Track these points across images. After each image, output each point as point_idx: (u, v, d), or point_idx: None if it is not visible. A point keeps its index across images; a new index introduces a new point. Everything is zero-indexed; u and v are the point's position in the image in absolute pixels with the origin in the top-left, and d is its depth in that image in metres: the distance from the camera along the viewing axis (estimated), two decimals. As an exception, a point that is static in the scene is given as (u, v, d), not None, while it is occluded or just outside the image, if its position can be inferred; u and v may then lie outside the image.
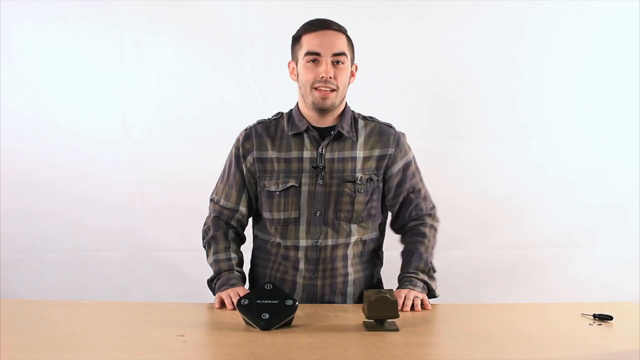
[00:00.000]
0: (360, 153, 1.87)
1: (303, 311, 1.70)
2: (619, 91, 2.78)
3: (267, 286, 1.64)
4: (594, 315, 1.70)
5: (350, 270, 1.90)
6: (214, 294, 1.86)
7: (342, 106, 1.88)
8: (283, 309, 1.58)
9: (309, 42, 1.81)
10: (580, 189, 2.82)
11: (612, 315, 1.68)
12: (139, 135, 2.77)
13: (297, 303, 1.60)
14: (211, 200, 1.98)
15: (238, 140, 1.92)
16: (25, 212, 2.79)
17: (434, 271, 1.91)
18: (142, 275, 2.82)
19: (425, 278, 1.87)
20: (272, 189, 1.86)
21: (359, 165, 1.86)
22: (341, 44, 1.81)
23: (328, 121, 1.87)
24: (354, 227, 1.88)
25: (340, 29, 1.83)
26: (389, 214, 2.00)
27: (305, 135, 1.86)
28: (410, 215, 1.94)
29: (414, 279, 1.85)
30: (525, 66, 2.78)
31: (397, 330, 1.57)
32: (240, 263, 1.92)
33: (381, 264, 2.01)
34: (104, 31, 2.72)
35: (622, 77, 2.77)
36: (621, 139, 2.80)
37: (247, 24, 2.73)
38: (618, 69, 2.77)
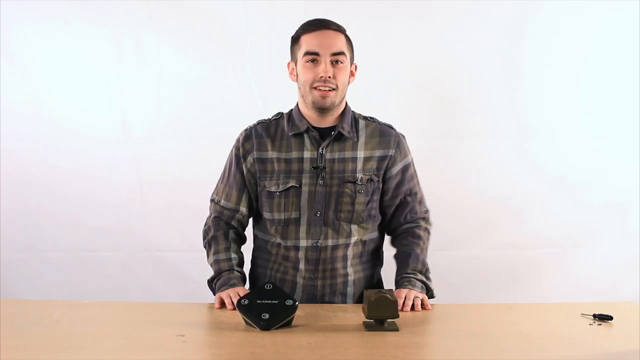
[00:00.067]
0: (361, 153, 1.87)
1: (303, 311, 1.70)
2: (619, 91, 2.78)
3: (267, 286, 1.64)
4: (594, 315, 1.70)
5: (350, 270, 1.91)
6: (214, 294, 1.86)
7: (342, 106, 1.88)
8: (283, 309, 1.58)
9: (307, 42, 1.81)
10: (580, 189, 2.82)
11: (612, 315, 1.68)
12: (139, 135, 2.78)
13: (297, 303, 1.60)
14: (211, 200, 1.98)
15: (238, 140, 1.92)
16: (25, 212, 2.79)
17: (429, 273, 1.91)
18: (142, 275, 2.82)
19: (424, 279, 1.87)
20: (273, 189, 1.86)
21: (359, 165, 1.86)
22: (340, 44, 1.81)
23: (328, 121, 1.87)
24: (354, 227, 1.88)
25: (339, 29, 1.83)
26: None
27: (305, 136, 1.86)
28: (406, 217, 1.95)
29: (412, 279, 1.85)
30: (525, 66, 2.78)
31: (397, 330, 1.57)
32: (241, 263, 1.92)
33: (381, 264, 2.01)
34: (104, 31, 2.72)
35: (622, 77, 2.77)
36: (621, 139, 2.80)
37: (247, 24, 2.73)
38: (618, 69, 2.77)
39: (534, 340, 1.53)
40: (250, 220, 2.00)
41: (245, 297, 1.62)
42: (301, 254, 1.87)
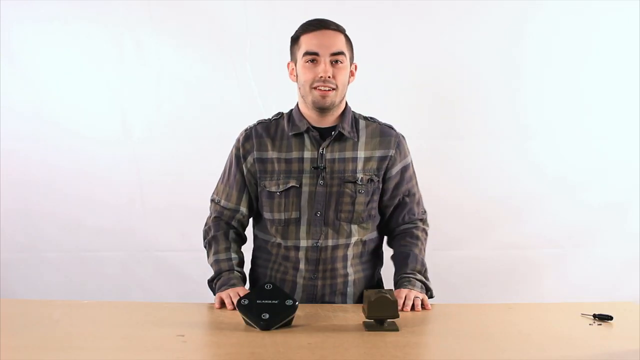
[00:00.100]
0: (361, 153, 1.87)
1: (303, 311, 1.70)
2: (619, 91, 2.78)
3: (267, 286, 1.64)
4: (594, 315, 1.70)
5: (350, 270, 1.91)
6: (214, 294, 1.86)
7: (343, 106, 1.88)
8: (283, 309, 1.58)
9: (307, 42, 1.81)
10: (580, 189, 2.82)
11: (612, 315, 1.68)
12: (139, 135, 2.77)
13: (297, 303, 1.60)
14: (212, 200, 1.98)
15: (238, 140, 1.92)
16: (25, 212, 2.79)
17: (427, 273, 1.91)
18: (142, 275, 2.82)
19: (423, 279, 1.87)
20: (273, 189, 1.86)
21: (360, 165, 1.86)
22: (339, 44, 1.81)
23: (328, 121, 1.87)
24: (354, 227, 1.88)
25: (339, 29, 1.83)
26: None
27: (305, 136, 1.86)
28: (403, 218, 1.95)
29: (412, 279, 1.85)
30: (525, 66, 2.78)
31: (397, 330, 1.57)
32: (241, 263, 1.92)
33: (381, 263, 2.01)
34: (104, 31, 2.72)
35: (622, 77, 2.77)
36: (621, 139, 2.80)
37: (247, 24, 2.73)
38: (618, 69, 2.77)
39: (534, 340, 1.53)
40: (251, 220, 2.00)
41: (245, 297, 1.62)
42: (301, 254, 1.87)
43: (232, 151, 1.94)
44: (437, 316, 1.74)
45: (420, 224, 1.97)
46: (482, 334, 1.57)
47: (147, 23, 2.71)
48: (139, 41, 2.73)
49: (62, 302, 1.94)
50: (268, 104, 2.56)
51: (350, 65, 1.86)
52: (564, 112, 2.80)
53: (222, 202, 1.94)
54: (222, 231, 1.92)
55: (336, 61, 1.80)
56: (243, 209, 1.93)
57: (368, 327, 1.58)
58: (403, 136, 1.94)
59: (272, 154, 1.87)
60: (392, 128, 1.93)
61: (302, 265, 1.88)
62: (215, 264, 1.89)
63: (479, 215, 2.82)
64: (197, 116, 2.77)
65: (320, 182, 1.85)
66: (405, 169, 1.92)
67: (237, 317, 1.63)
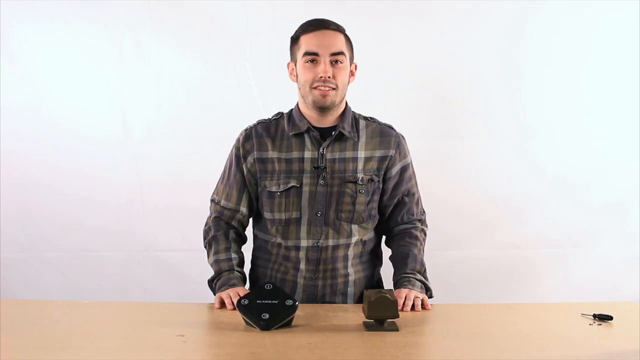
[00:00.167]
0: (361, 153, 1.87)
1: (303, 311, 1.70)
2: (619, 91, 2.78)
3: (267, 286, 1.64)
4: (594, 315, 1.70)
5: (350, 270, 1.91)
6: (214, 294, 1.86)
7: (343, 106, 1.88)
8: (283, 309, 1.58)
9: (307, 42, 1.81)
10: (580, 189, 2.82)
11: (612, 315, 1.68)
12: (139, 135, 2.77)
13: (297, 303, 1.60)
14: (212, 200, 1.98)
15: (238, 140, 1.92)
16: (25, 212, 2.79)
17: (427, 273, 1.91)
18: (142, 275, 2.82)
19: (423, 279, 1.87)
20: (273, 189, 1.86)
21: (360, 165, 1.86)
22: (339, 43, 1.81)
23: (329, 121, 1.87)
24: (354, 227, 1.88)
25: (338, 28, 1.83)
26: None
27: (306, 136, 1.86)
28: (402, 218, 1.95)
29: (412, 279, 1.85)
30: (525, 66, 2.78)
31: (397, 330, 1.57)
32: (241, 263, 1.92)
33: (381, 263, 2.01)
34: (104, 31, 2.72)
35: (622, 77, 2.77)
36: (621, 139, 2.80)
37: (247, 24, 2.73)
38: (618, 69, 2.77)
39: (534, 340, 1.53)
40: (251, 220, 2.00)
41: (245, 297, 1.62)
42: (302, 254, 1.87)
43: (232, 151, 1.94)
44: (437, 316, 1.74)
45: (419, 224, 1.97)
46: (482, 334, 1.57)
47: (147, 23, 2.71)
48: (139, 41, 2.73)
49: (62, 302, 1.95)
50: (268, 104, 2.56)
51: (350, 65, 1.86)
52: (564, 112, 2.80)
53: (222, 202, 1.94)
54: (222, 231, 1.92)
55: (336, 61, 1.80)
56: (243, 209, 1.93)
57: (368, 327, 1.58)
58: (403, 136, 1.94)
59: (272, 154, 1.87)
60: (392, 128, 1.93)
61: (302, 265, 1.88)
62: (215, 264, 1.89)
63: (479, 215, 2.82)
64: (197, 116, 2.77)
65: (321, 182, 1.85)
66: (404, 169, 1.92)
67: (237, 317, 1.63)
